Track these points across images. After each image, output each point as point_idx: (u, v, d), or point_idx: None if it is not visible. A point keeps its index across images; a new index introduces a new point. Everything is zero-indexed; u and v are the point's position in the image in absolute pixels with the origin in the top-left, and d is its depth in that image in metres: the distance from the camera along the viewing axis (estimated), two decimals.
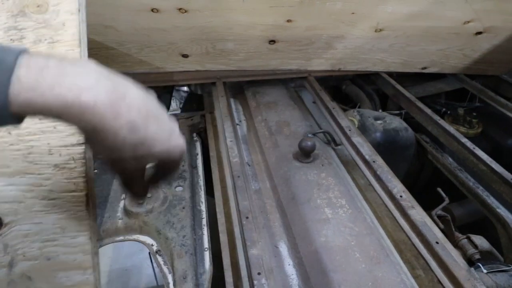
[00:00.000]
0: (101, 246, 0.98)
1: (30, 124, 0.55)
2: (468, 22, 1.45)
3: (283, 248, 0.94)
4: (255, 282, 0.78)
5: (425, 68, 1.75)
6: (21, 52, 0.36)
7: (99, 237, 0.99)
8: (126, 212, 1.04)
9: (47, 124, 0.55)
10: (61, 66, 0.37)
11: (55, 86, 0.35)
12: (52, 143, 0.56)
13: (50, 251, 0.58)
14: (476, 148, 1.29)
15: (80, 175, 0.57)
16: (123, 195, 1.10)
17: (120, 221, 1.03)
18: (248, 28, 1.42)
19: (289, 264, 0.90)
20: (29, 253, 0.58)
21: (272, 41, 1.51)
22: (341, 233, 0.93)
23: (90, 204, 0.58)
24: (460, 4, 1.37)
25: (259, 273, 0.80)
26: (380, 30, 1.48)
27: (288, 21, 1.40)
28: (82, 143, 0.56)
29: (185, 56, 1.56)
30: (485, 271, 0.99)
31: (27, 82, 0.35)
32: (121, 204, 1.07)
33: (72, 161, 0.56)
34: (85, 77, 0.37)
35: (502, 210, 1.23)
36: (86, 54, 0.59)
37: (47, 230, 0.56)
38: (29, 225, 0.57)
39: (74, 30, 0.56)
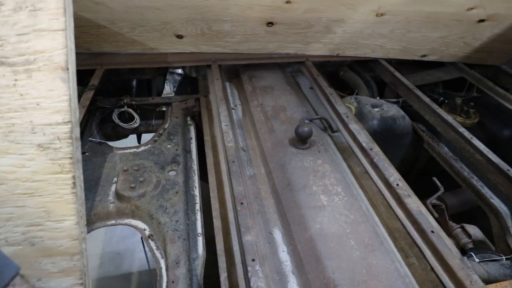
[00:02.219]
0: (91, 230, 0.96)
1: (10, 100, 0.51)
2: (472, 8, 1.42)
3: (278, 235, 0.93)
4: (249, 268, 0.77)
5: (424, 55, 1.73)
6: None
7: (91, 221, 0.97)
8: (118, 196, 1.02)
9: (29, 100, 0.51)
10: None
11: None
12: (35, 121, 0.52)
13: (34, 236, 0.55)
14: (474, 138, 1.29)
15: (66, 156, 0.54)
16: (115, 179, 1.08)
17: (111, 205, 1.01)
18: (245, 8, 1.37)
19: (283, 251, 0.89)
20: (12, 238, 0.55)
21: (270, 23, 1.47)
22: (336, 221, 0.92)
23: (77, 187, 0.55)
24: None
25: (253, 259, 0.79)
26: (381, 14, 1.44)
27: (287, 2, 1.36)
28: (68, 122, 0.52)
29: (179, 37, 1.52)
30: (477, 260, 1.00)
31: None
32: (113, 187, 1.05)
33: (57, 140, 0.53)
34: None
35: (495, 201, 1.24)
36: (72, 24, 0.54)
37: (31, 214, 0.54)
38: (12, 208, 0.54)
39: None
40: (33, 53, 0.50)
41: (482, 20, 1.48)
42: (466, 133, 1.30)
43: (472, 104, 1.69)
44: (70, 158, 0.55)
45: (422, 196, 1.18)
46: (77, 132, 0.56)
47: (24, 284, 0.41)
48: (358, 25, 1.50)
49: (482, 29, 1.53)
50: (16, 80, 0.50)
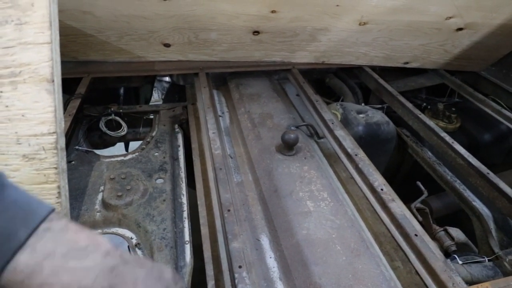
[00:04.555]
0: None
1: None
2: (450, 17, 1.47)
3: (265, 241, 0.94)
4: (236, 275, 0.78)
5: (407, 63, 1.77)
6: (40, 223, 0.35)
7: None
8: (105, 204, 1.01)
9: (14, 111, 0.52)
10: (66, 257, 0.35)
11: (47, 281, 0.34)
12: (20, 132, 0.53)
13: None
14: (455, 142, 1.32)
15: (51, 166, 0.54)
16: (102, 187, 1.07)
17: (98, 213, 1.00)
18: (231, 18, 1.39)
19: (270, 257, 0.90)
20: None
21: (256, 32, 1.49)
22: (323, 226, 0.93)
23: (62, 196, 0.55)
24: None
25: (240, 266, 0.80)
26: (364, 23, 1.48)
27: (273, 11, 1.38)
28: (53, 132, 0.53)
29: (167, 45, 1.52)
30: (460, 262, 1.02)
31: (24, 268, 0.33)
32: (100, 196, 1.04)
33: (42, 151, 0.53)
34: (82, 277, 0.35)
35: (477, 203, 1.27)
36: (58, 37, 0.55)
37: None
38: None
39: (44, 11, 0.52)
40: (18, 65, 0.50)
41: (460, 29, 1.54)
42: (448, 138, 1.34)
43: (453, 109, 1.74)
44: (55, 168, 0.55)
45: (409, 200, 1.21)
46: (62, 142, 0.56)
47: (62, 219, 0.38)
48: (342, 33, 1.53)
49: (460, 37, 1.58)
50: (1, 92, 0.50)
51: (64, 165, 0.57)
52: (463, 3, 1.40)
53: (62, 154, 0.56)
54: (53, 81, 0.52)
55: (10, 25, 0.49)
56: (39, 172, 0.54)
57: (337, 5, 1.38)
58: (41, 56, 0.51)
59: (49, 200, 0.55)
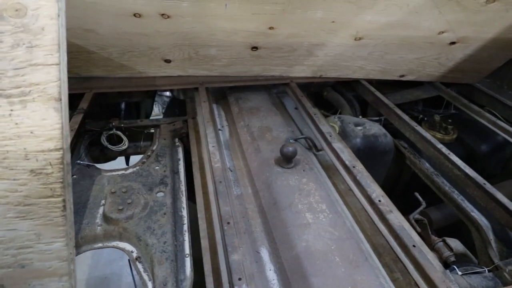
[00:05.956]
0: (79, 253, 0.96)
1: (5, 129, 0.54)
2: (442, 32, 1.51)
3: (264, 253, 0.94)
4: (235, 287, 0.79)
5: (403, 76, 1.81)
6: None
7: (78, 244, 0.97)
8: (106, 218, 1.02)
9: (23, 129, 0.55)
10: None
11: None
12: (28, 148, 0.55)
13: (24, 258, 0.57)
14: (451, 153, 1.34)
15: (57, 181, 0.56)
16: (103, 201, 1.09)
17: (99, 227, 1.01)
18: (230, 34, 1.43)
19: (270, 269, 0.90)
20: (2, 260, 0.56)
21: (255, 48, 1.53)
22: (322, 238, 0.94)
23: (67, 209, 0.57)
24: (434, 15, 1.42)
25: (239, 279, 0.80)
26: (360, 38, 1.52)
27: (270, 28, 1.42)
28: (59, 148, 0.55)
29: (167, 61, 1.56)
30: (459, 273, 1.02)
31: None
32: (101, 210, 1.06)
33: (49, 166, 0.55)
34: None
35: (476, 214, 1.28)
36: (66, 59, 0.58)
37: (21, 236, 0.55)
38: (3, 232, 0.55)
39: (54, 35, 0.55)
40: (28, 85, 0.53)
41: (453, 43, 1.58)
42: (444, 149, 1.36)
43: (450, 120, 1.76)
44: (61, 182, 0.57)
45: (408, 211, 1.22)
46: (68, 158, 0.58)
47: None
48: (338, 48, 1.57)
49: (454, 50, 1.62)
50: (11, 110, 0.53)
51: (69, 179, 0.59)
52: (454, 18, 1.44)
53: (68, 169, 0.58)
54: (60, 99, 0.55)
55: (21, 48, 0.52)
56: (46, 186, 0.56)
57: (333, 21, 1.42)
58: (49, 77, 0.54)
59: (55, 213, 0.56)
